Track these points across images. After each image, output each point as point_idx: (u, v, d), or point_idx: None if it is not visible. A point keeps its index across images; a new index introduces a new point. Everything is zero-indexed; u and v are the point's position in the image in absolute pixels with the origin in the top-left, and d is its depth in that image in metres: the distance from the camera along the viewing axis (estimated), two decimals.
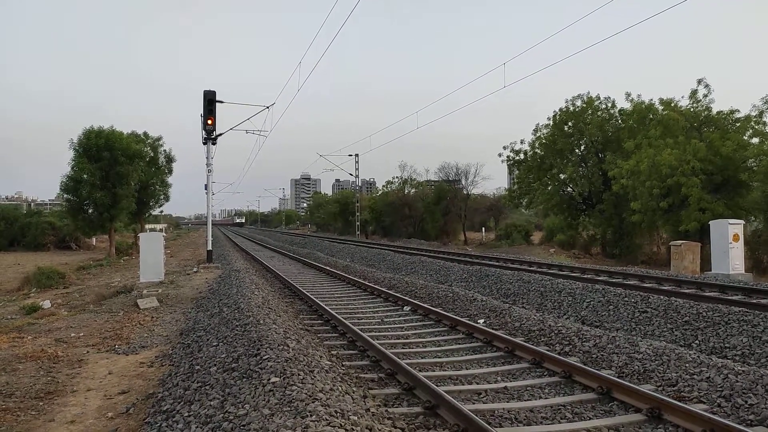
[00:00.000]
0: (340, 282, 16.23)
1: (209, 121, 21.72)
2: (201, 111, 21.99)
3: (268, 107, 24.44)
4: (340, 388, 5.20)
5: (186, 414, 5.04)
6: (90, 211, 38.76)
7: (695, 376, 5.92)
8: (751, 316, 8.29)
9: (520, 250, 34.53)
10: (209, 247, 23.24)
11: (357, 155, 50.55)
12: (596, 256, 35.56)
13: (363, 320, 10.18)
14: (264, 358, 6.03)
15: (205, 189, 23.84)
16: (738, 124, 28.96)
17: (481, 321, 9.62)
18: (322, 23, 17.82)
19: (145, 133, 43.68)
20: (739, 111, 29.62)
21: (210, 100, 21.48)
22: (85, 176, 36.68)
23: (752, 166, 27.45)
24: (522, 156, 40.70)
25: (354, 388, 5.55)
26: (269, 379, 5.24)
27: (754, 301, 10.07)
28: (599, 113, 36.68)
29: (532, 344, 7.67)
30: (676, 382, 5.93)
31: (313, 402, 4.46)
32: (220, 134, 23.09)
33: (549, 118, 38.54)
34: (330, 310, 10.24)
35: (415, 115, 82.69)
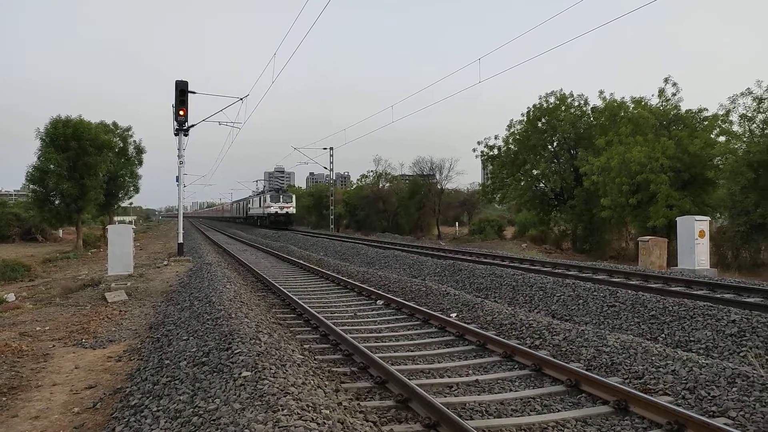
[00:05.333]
0: (314, 276, 16.16)
1: (181, 112, 21.32)
2: (173, 101, 21.60)
3: (241, 99, 24.10)
4: (312, 382, 5.18)
5: (155, 409, 4.97)
6: (57, 202, 37.75)
7: (661, 369, 6.06)
8: (715, 311, 8.51)
9: (493, 244, 34.84)
10: (180, 240, 22.89)
11: (332, 149, 50.30)
12: (567, 251, 36.10)
13: (336, 314, 10.17)
14: (235, 352, 5.98)
15: (177, 181, 23.44)
16: (706, 123, 29.65)
17: (454, 315, 9.69)
18: (298, 14, 17.58)
19: (114, 123, 42.77)
20: (707, 110, 30.35)
21: (182, 91, 21.09)
22: (51, 166, 35.71)
23: (718, 164, 28.16)
24: (496, 151, 41.02)
25: (326, 382, 5.54)
26: (240, 373, 5.19)
27: (718, 295, 10.34)
28: (572, 110, 37.17)
29: (504, 338, 7.75)
30: (643, 374, 6.06)
31: (284, 396, 4.43)
32: (192, 125, 22.70)
33: (523, 114, 38.92)
34: (303, 304, 10.20)
35: (390, 109, 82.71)
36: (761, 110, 26.28)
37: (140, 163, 44.71)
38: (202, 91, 22.30)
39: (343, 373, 6.33)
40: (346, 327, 8.83)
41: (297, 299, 10.80)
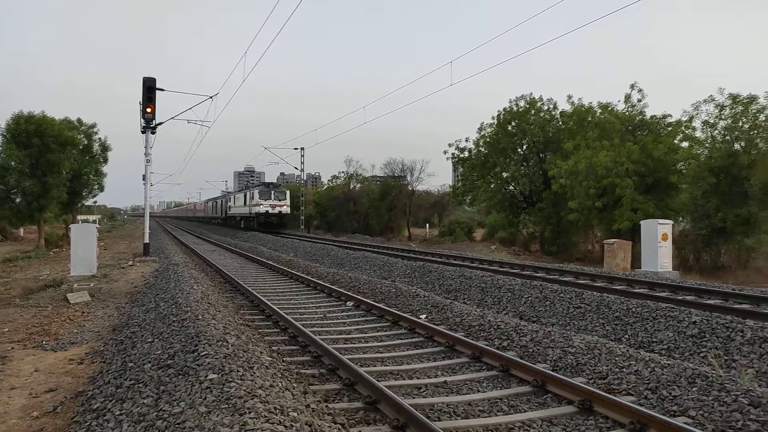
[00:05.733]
0: (283, 277, 16.04)
1: (148, 109, 20.93)
2: (140, 99, 21.20)
3: (211, 97, 23.79)
4: (280, 384, 5.14)
5: (117, 412, 4.86)
6: (18, 200, 36.70)
7: (624, 369, 6.18)
8: (677, 312, 8.73)
9: (463, 246, 35.11)
10: (146, 240, 22.45)
11: (302, 149, 49.93)
12: (535, 253, 36.60)
13: (305, 315, 10.11)
14: (202, 354, 5.89)
15: (143, 179, 23.00)
16: (669, 129, 30.44)
17: (423, 316, 9.73)
18: (270, 13, 17.38)
19: (78, 120, 41.69)
20: (671, 116, 31.16)
21: (150, 88, 20.70)
22: (12, 163, 34.67)
23: (681, 169, 28.96)
24: (466, 154, 41.36)
25: (294, 384, 5.50)
26: (207, 375, 5.11)
27: (680, 297, 10.63)
28: (541, 114, 37.72)
29: (472, 339, 7.82)
30: (607, 375, 6.18)
31: (252, 399, 4.38)
32: (160, 123, 22.33)
33: (493, 118, 39.33)
34: (272, 305, 10.11)
35: (362, 110, 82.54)
36: (723, 117, 27.10)
37: (105, 160, 43.73)
38: (171, 89, 21.81)
39: (312, 375, 6.29)
40: (315, 328, 8.79)
41: (266, 300, 10.70)
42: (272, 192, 44.25)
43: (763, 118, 26.00)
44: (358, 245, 27.60)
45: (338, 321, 9.68)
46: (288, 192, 46.32)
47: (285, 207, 43.96)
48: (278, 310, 9.61)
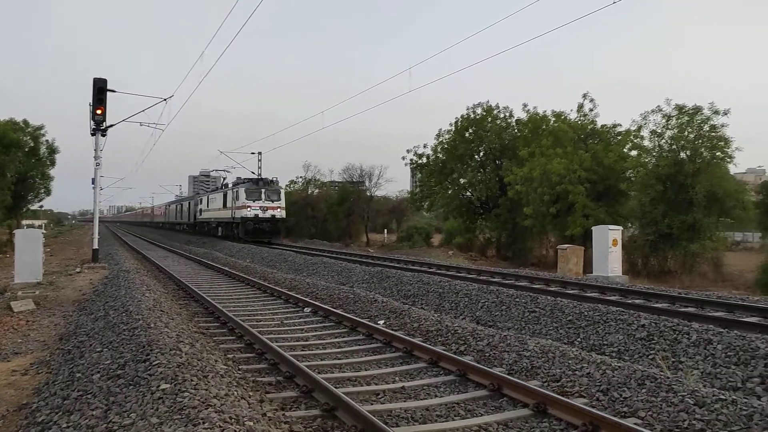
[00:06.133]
0: (239, 283, 15.78)
1: (99, 111, 20.29)
2: (90, 100, 20.54)
3: (165, 99, 23.20)
4: (235, 393, 5.04)
5: (64, 425, 4.67)
6: None
7: (577, 372, 6.33)
8: (627, 315, 8.99)
9: (421, 252, 35.33)
10: (95, 246, 21.72)
11: (260, 153, 49.26)
12: (491, 258, 37.16)
13: (262, 322, 9.96)
14: (154, 363, 5.72)
15: (93, 183, 22.27)
16: (619, 138, 31.48)
17: (381, 322, 9.72)
18: (227, 15, 17.16)
19: (24, 121, 40.20)
20: (620, 125, 32.24)
21: (100, 89, 20.07)
22: None
23: (630, 176, 29.98)
24: (425, 160, 41.71)
25: (251, 393, 5.40)
26: (159, 385, 4.97)
27: (629, 301, 10.96)
28: (498, 121, 38.43)
29: (430, 344, 7.85)
30: (560, 377, 6.31)
31: (206, 408, 4.28)
32: (111, 125, 21.68)
33: (451, 124, 39.84)
34: (227, 312, 9.92)
35: (321, 114, 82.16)
36: (669, 127, 28.20)
37: (53, 163, 42.31)
38: (123, 90, 21.24)
39: (269, 383, 6.20)
40: (272, 335, 8.66)
41: (221, 307, 10.49)
42: (263, 191, 34.39)
43: (707, 128, 27.19)
44: (316, 251, 27.42)
45: (296, 327, 9.58)
46: (283, 191, 36.44)
47: (279, 210, 34.51)
48: (234, 317, 9.43)
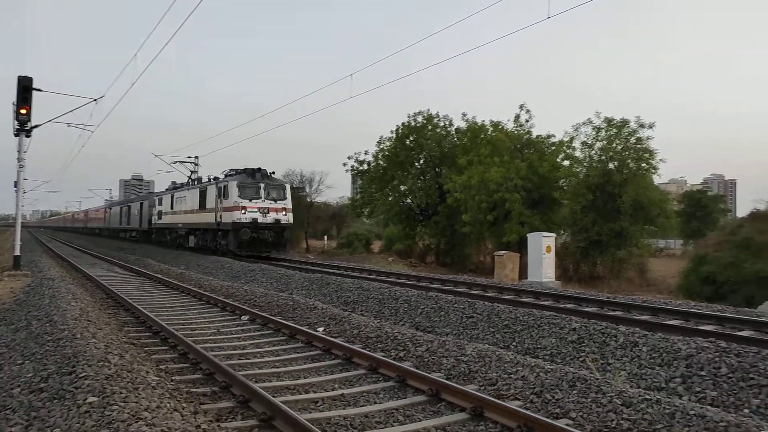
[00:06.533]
0: (173, 291, 15.26)
1: (23, 111, 19.24)
2: (14, 99, 19.44)
3: (95, 100, 22.30)
4: (168, 405, 4.86)
5: None
6: None
7: (512, 375, 6.48)
8: (559, 320, 9.30)
9: (361, 258, 35.36)
10: (17, 252, 20.50)
11: (197, 157, 47.91)
12: (431, 264, 37.64)
13: (197, 331, 9.67)
14: (80, 376, 5.44)
15: (15, 186, 21.07)
16: (553, 148, 32.68)
17: (321, 329, 9.64)
18: (163, 15, 16.68)
19: None
20: (554, 136, 33.49)
21: (25, 87, 19.03)
22: None
23: (563, 185, 31.16)
24: (366, 166, 41.85)
25: (184, 405, 5.22)
26: (85, 399, 4.73)
27: (562, 306, 11.35)
28: (438, 130, 39.06)
29: (370, 351, 7.85)
30: (496, 381, 6.45)
31: (136, 422, 4.11)
32: (36, 126, 20.58)
33: (392, 132, 40.17)
34: (160, 321, 9.57)
35: (261, 119, 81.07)
36: (599, 138, 29.53)
37: None
38: (51, 90, 20.20)
39: (203, 394, 6.01)
40: (207, 345, 8.42)
41: (153, 316, 10.11)
42: (262, 186, 25.05)
43: (634, 141, 28.66)
44: (254, 257, 26.91)
45: (232, 336, 9.35)
46: (288, 186, 27.01)
47: (285, 212, 25.29)
48: (167, 326, 9.11)
